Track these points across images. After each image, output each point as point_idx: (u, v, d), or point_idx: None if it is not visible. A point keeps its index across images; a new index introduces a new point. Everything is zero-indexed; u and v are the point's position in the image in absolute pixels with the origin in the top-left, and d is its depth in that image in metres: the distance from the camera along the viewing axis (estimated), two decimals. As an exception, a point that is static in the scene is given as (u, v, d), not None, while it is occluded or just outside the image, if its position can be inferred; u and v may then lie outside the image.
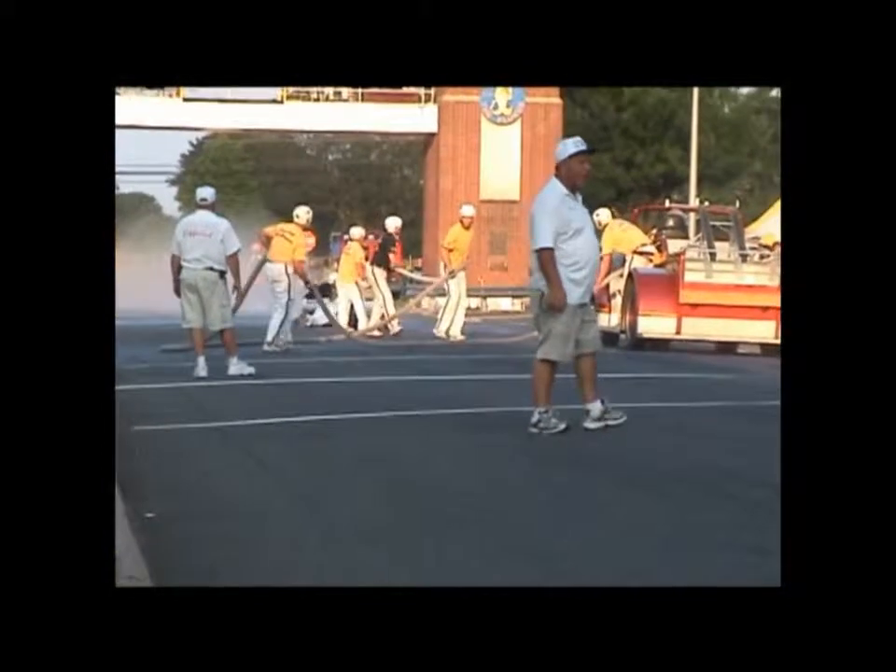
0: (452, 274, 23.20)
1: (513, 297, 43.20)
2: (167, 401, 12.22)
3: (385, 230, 25.68)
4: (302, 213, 20.71)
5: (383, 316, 24.38)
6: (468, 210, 23.75)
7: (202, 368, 14.27)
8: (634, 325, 20.20)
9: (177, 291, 14.76)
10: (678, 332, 20.16)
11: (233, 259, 14.71)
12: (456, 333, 23.01)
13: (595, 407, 10.06)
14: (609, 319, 21.42)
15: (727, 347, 20.21)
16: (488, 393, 13.38)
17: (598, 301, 22.08)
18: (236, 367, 14.38)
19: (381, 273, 24.50)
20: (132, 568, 5.14)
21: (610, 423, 9.99)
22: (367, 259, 25.12)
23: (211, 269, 14.48)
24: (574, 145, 10.02)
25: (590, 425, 9.98)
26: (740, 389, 11.86)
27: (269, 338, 19.26)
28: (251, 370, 14.38)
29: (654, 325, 20.09)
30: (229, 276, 14.89)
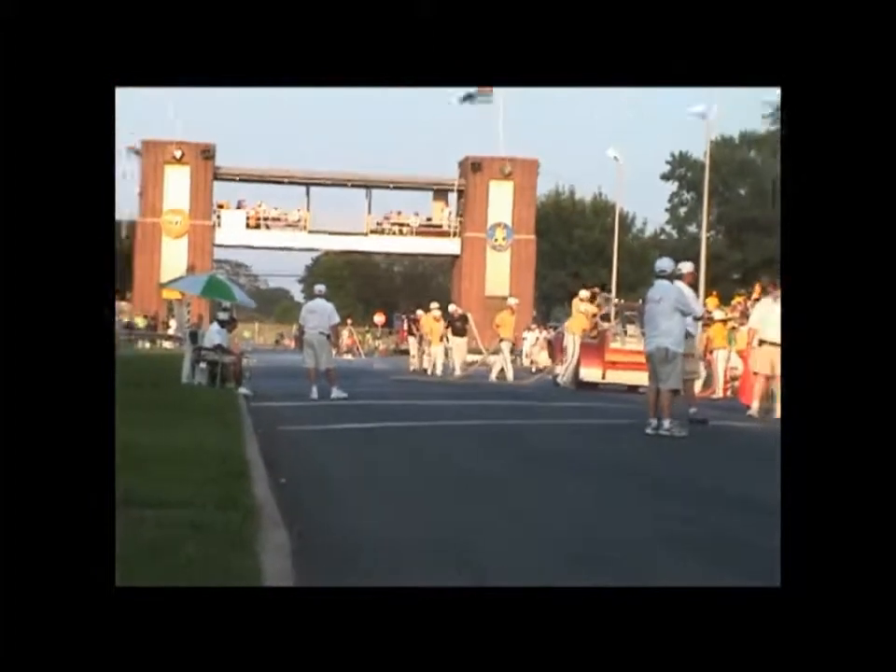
0: (501, 341, 22.72)
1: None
2: (295, 412, 12.33)
3: (449, 312, 25.39)
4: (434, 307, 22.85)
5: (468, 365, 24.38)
6: (512, 301, 23.63)
7: (314, 393, 14.38)
8: (576, 373, 20.35)
9: (300, 346, 15.29)
10: (603, 378, 20.28)
11: (335, 328, 15.11)
12: (511, 377, 22.21)
13: (655, 422, 10.13)
14: (563, 368, 21.50)
15: (633, 388, 20.20)
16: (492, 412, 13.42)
17: (556, 356, 22.37)
18: (336, 393, 14.42)
19: (454, 341, 24.20)
20: (271, 513, 4.86)
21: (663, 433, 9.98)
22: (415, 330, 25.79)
23: (322, 333, 14.71)
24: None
25: (662, 432, 10.01)
26: (636, 412, 11.89)
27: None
28: (345, 395, 14.43)
29: (588, 373, 20.26)
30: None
